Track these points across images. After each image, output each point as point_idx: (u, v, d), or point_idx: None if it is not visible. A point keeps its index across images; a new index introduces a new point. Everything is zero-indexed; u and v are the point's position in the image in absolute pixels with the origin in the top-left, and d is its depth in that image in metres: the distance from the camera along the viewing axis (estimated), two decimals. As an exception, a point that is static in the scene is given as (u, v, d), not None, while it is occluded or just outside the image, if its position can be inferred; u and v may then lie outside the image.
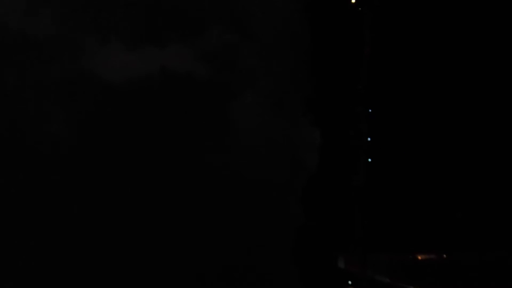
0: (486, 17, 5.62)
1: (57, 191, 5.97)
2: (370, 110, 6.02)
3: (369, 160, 5.90)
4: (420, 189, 5.70)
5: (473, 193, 5.33)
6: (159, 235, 6.06)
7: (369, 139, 5.99)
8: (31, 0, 6.13)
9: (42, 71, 6.18)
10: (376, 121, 6.02)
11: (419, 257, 4.91)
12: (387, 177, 5.89)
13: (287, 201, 6.41)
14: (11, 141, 5.96)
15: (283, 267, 6.20)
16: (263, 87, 6.61)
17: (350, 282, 5.86)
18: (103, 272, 5.83)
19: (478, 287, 4.34)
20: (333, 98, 6.43)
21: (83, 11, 6.23)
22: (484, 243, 5.01)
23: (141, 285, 5.95)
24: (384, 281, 5.19)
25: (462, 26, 5.72)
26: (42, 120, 6.11)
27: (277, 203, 6.39)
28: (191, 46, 6.52)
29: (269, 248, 6.29)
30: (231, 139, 6.45)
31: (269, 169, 6.47)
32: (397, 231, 5.62)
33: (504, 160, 5.43)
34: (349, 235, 6.06)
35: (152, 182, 6.24)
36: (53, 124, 6.08)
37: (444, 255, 4.81)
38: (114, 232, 5.92)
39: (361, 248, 5.82)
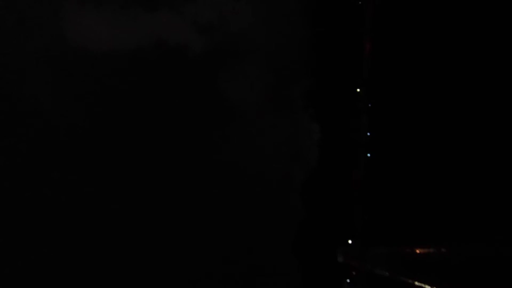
0: (487, 13, 5.61)
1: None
2: (369, 105, 6.03)
3: (368, 155, 5.92)
4: (419, 183, 5.72)
5: (472, 187, 5.34)
6: (158, 227, 6.05)
7: (368, 133, 6.00)
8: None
9: (23, 41, 5.84)
10: (376, 116, 6.02)
11: (418, 251, 4.94)
12: (386, 172, 5.91)
13: (287, 195, 6.42)
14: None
15: (284, 260, 6.22)
16: (263, 82, 6.60)
17: (349, 275, 5.89)
18: (108, 270, 5.82)
19: (477, 281, 4.37)
20: (333, 93, 6.43)
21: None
22: (484, 236, 5.02)
23: (144, 277, 5.96)
24: (383, 274, 5.22)
25: (463, 22, 5.72)
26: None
27: (277, 197, 6.40)
28: (185, 15, 6.23)
29: (269, 242, 6.30)
30: (230, 133, 6.44)
31: (269, 163, 6.49)
32: (396, 224, 5.64)
33: (504, 154, 5.43)
34: (349, 229, 6.08)
35: (145, 163, 6.16)
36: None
37: (443, 249, 4.83)
38: (113, 228, 5.91)
39: (361, 242, 5.86)
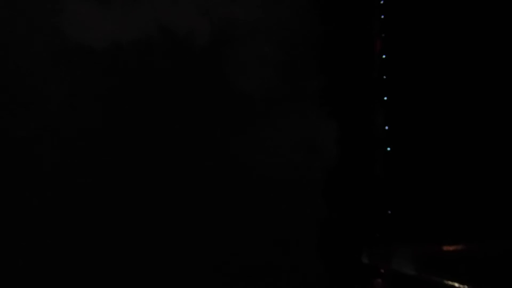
0: (503, 6, 5.40)
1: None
2: (385, 98, 5.89)
3: (388, 149, 5.77)
4: (443, 176, 5.52)
5: (501, 180, 5.12)
6: (171, 223, 5.99)
7: (386, 127, 5.86)
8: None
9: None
10: (393, 110, 5.89)
11: (445, 248, 4.73)
12: (408, 166, 5.75)
13: (306, 194, 6.32)
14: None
15: (307, 261, 6.12)
16: (276, 77, 6.51)
17: (375, 275, 5.74)
18: (117, 266, 5.76)
19: (508, 277, 4.15)
20: (348, 89, 6.32)
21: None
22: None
23: (158, 279, 5.92)
24: (410, 274, 5.03)
25: (477, 13, 5.52)
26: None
27: (297, 196, 6.30)
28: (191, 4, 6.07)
29: (293, 242, 6.22)
30: (246, 131, 6.36)
31: (288, 163, 6.39)
32: (422, 221, 5.47)
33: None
34: (373, 228, 5.95)
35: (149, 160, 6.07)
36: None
37: (472, 245, 4.63)
38: (118, 222, 5.85)
39: (385, 240, 5.70)
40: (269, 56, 6.48)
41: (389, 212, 5.78)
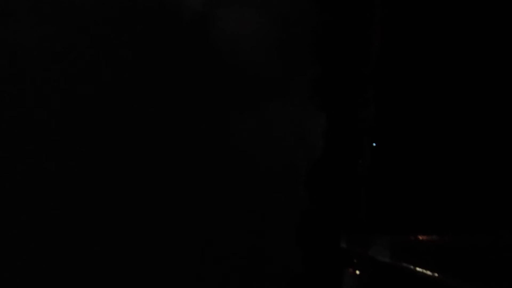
0: (500, 5, 5.55)
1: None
2: (376, 94, 6.04)
3: (374, 144, 5.95)
4: (424, 172, 5.74)
5: (478, 178, 5.35)
6: (159, 216, 6.04)
7: (375, 123, 6.02)
8: None
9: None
10: (383, 106, 6.04)
11: (421, 238, 5.01)
12: (392, 160, 5.92)
13: (291, 184, 6.44)
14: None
15: (286, 247, 6.26)
16: (268, 70, 6.58)
17: (351, 262, 5.96)
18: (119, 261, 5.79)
19: (479, 269, 4.44)
20: (339, 83, 6.44)
21: None
22: (487, 227, 5.07)
23: (152, 265, 5.98)
24: (385, 261, 5.29)
25: (473, 12, 5.66)
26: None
27: (282, 186, 6.42)
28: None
29: (273, 230, 6.33)
30: (236, 120, 6.41)
31: (274, 152, 6.49)
32: (401, 212, 5.69)
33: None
34: (353, 217, 6.14)
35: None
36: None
37: (446, 237, 4.90)
38: (120, 217, 5.88)
39: (364, 229, 5.91)
40: (265, 52, 6.53)
41: (370, 202, 5.99)
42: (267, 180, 6.46)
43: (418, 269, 4.85)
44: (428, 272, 4.76)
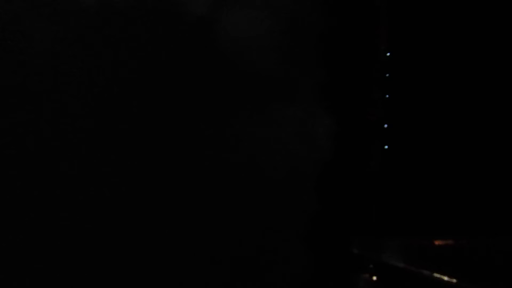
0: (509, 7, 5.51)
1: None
2: (387, 96, 5.99)
3: (386, 147, 5.90)
4: (437, 174, 5.67)
5: (493, 178, 5.28)
6: (163, 217, 6.01)
7: (385, 125, 5.97)
8: None
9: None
10: (393, 107, 5.99)
11: (436, 242, 4.91)
12: (403, 162, 5.87)
13: (300, 186, 6.41)
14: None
15: (296, 252, 6.22)
16: (274, 72, 6.57)
17: (364, 267, 5.89)
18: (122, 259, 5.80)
19: (495, 274, 4.34)
20: (348, 84, 6.40)
21: None
22: (504, 230, 4.98)
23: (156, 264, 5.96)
24: (399, 266, 5.20)
25: (482, 10, 5.61)
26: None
27: (290, 188, 6.39)
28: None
29: (283, 233, 6.30)
30: (242, 123, 6.39)
31: (281, 155, 6.47)
32: (413, 216, 5.62)
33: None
34: (364, 220, 6.08)
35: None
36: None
37: (462, 241, 4.81)
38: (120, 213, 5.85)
39: (376, 232, 5.84)
40: (270, 55, 6.51)
41: (382, 205, 5.93)
42: (275, 182, 6.44)
43: (434, 275, 4.75)
44: (445, 278, 4.66)
